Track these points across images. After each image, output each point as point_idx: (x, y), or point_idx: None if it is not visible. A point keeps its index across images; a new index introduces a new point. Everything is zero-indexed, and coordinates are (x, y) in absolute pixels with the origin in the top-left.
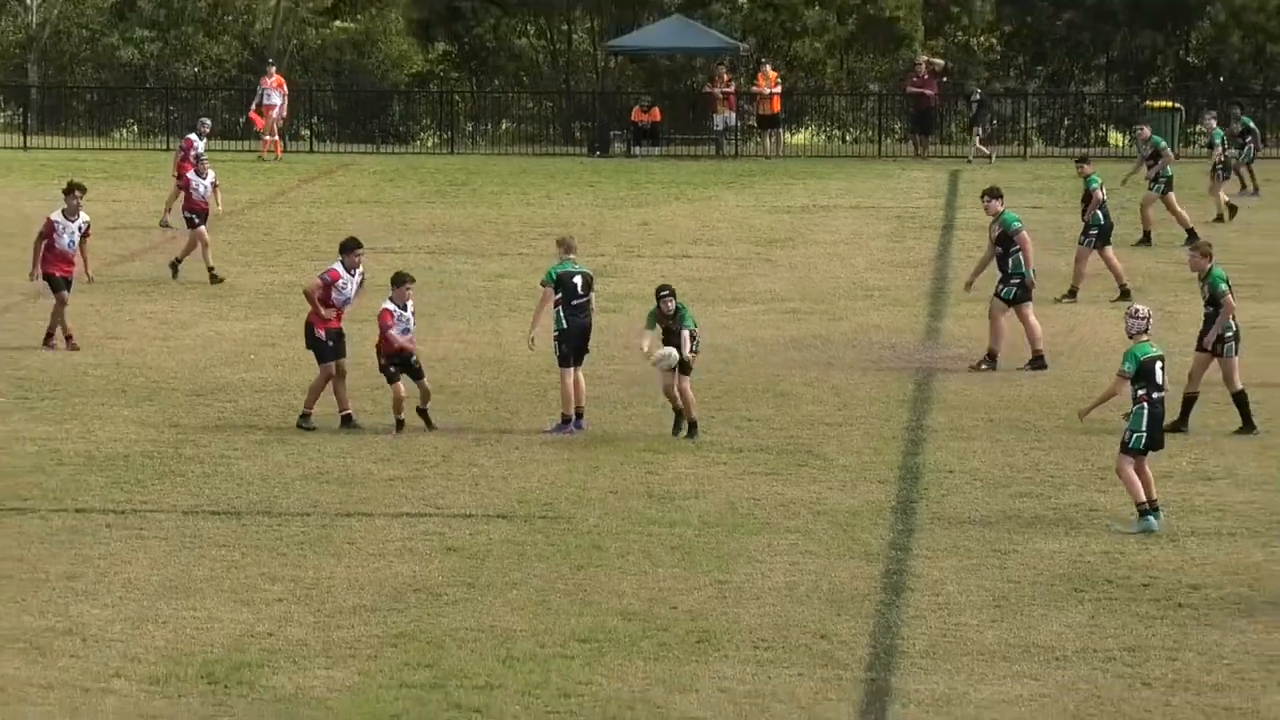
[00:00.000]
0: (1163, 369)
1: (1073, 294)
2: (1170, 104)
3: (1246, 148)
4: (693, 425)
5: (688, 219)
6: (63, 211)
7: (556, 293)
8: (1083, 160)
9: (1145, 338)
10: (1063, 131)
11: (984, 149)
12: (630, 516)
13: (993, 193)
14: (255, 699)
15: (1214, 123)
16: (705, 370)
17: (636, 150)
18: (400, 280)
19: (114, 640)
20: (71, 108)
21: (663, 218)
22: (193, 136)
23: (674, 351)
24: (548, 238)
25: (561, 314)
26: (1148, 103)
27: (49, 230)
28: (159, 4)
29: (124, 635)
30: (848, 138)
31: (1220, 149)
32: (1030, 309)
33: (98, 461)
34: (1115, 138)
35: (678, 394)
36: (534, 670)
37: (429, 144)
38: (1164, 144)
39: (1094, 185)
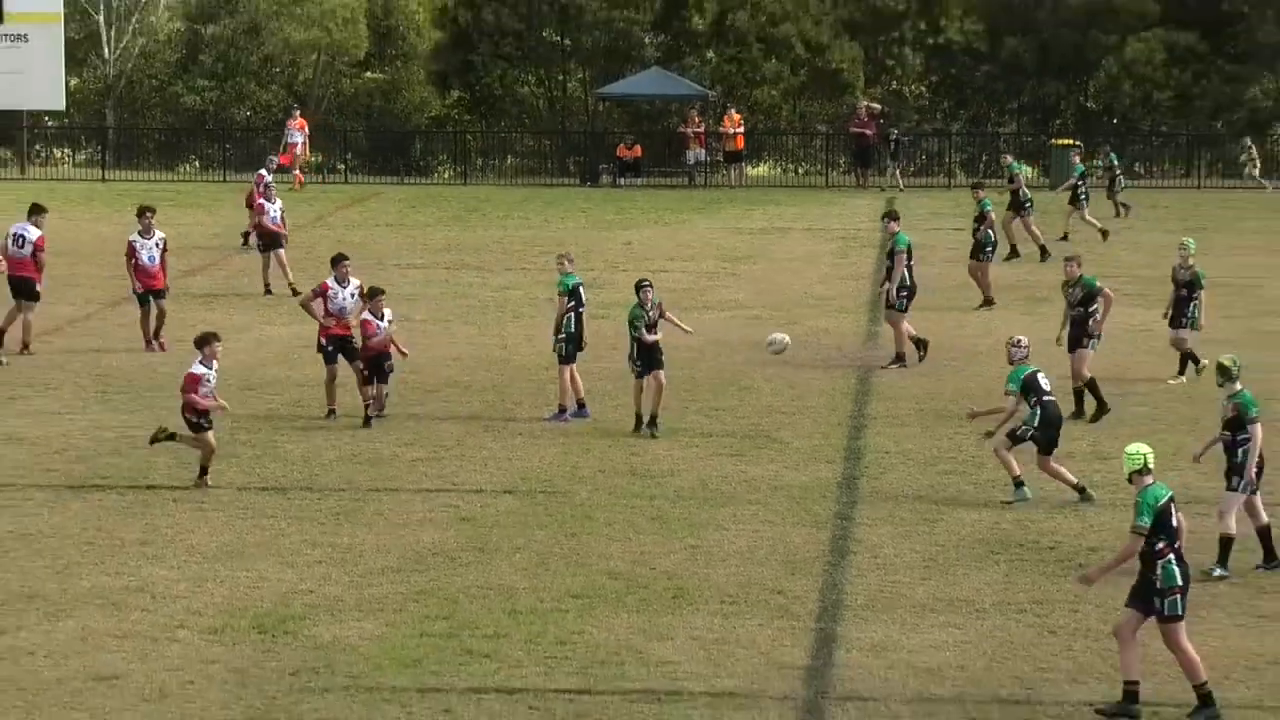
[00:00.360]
0: (1045, 378)
1: (989, 303)
2: (1071, 141)
3: (1118, 179)
4: (654, 419)
5: (665, 239)
6: (138, 232)
7: (570, 300)
8: (977, 186)
9: (1025, 362)
10: (981, 165)
11: (899, 181)
12: (616, 491)
13: (891, 215)
14: (298, 646)
15: (1077, 158)
16: (680, 367)
17: (621, 181)
18: (374, 293)
19: (178, 597)
20: (143, 146)
21: (643, 238)
22: (263, 171)
23: (785, 336)
24: (546, 255)
25: (572, 318)
26: (1052, 141)
27: (130, 251)
28: (217, 58)
29: (187, 592)
30: (800, 170)
31: (1079, 180)
32: (907, 318)
33: (165, 445)
34: (1025, 168)
35: (656, 395)
36: (535, 622)
37: (445, 176)
38: (1019, 169)
39: (987, 208)
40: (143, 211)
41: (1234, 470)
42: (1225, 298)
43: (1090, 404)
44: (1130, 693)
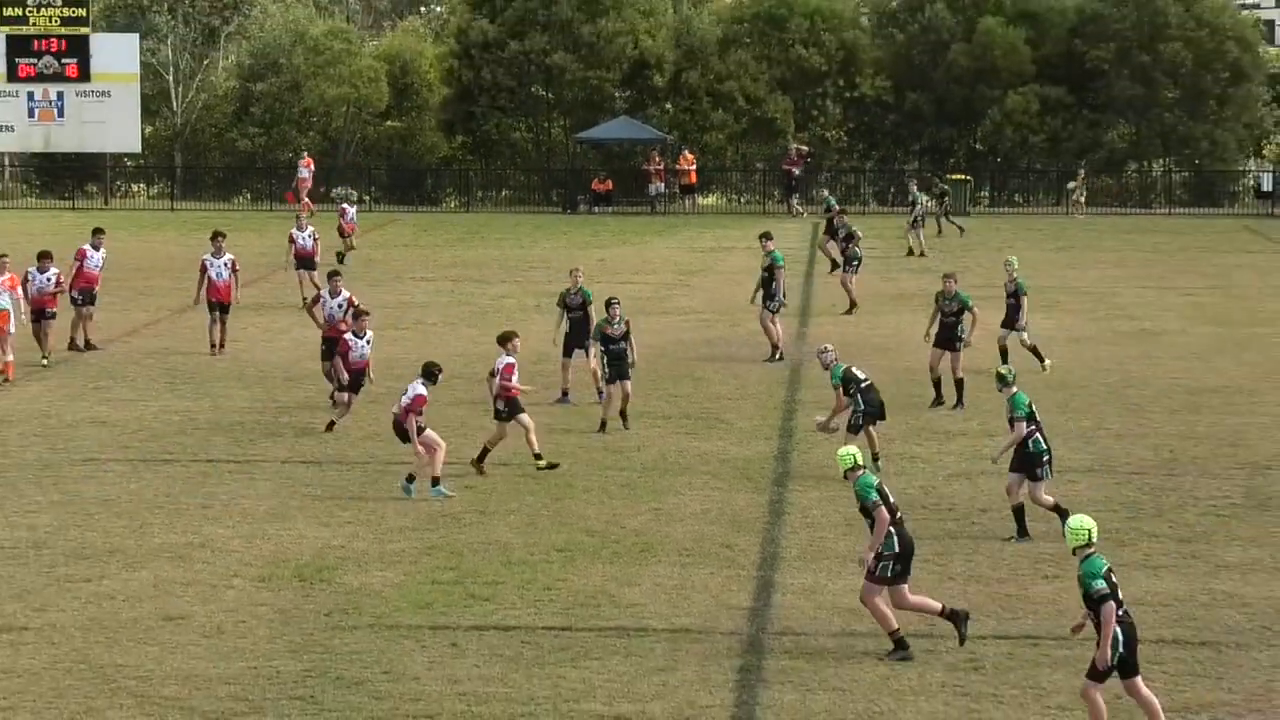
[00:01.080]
0: (859, 370)
1: (851, 308)
2: (963, 176)
3: (945, 203)
4: (623, 415)
5: (631, 257)
6: (210, 253)
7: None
8: (766, 236)
9: (837, 362)
10: (890, 196)
11: (799, 209)
12: (592, 464)
13: (766, 235)
14: (331, 591)
15: (915, 187)
16: (644, 361)
17: (595, 209)
18: (358, 315)
19: (233, 551)
20: (204, 181)
21: (614, 256)
22: (345, 206)
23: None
24: (536, 269)
25: (567, 318)
26: (948, 175)
27: (203, 268)
28: (265, 109)
29: (240, 547)
30: (742, 200)
31: (920, 206)
32: (779, 319)
33: (222, 426)
34: (925, 200)
35: (620, 399)
36: (526, 571)
37: (451, 205)
38: (921, 196)
39: (778, 261)
40: (215, 235)
41: (1033, 462)
42: (1088, 304)
43: (951, 395)
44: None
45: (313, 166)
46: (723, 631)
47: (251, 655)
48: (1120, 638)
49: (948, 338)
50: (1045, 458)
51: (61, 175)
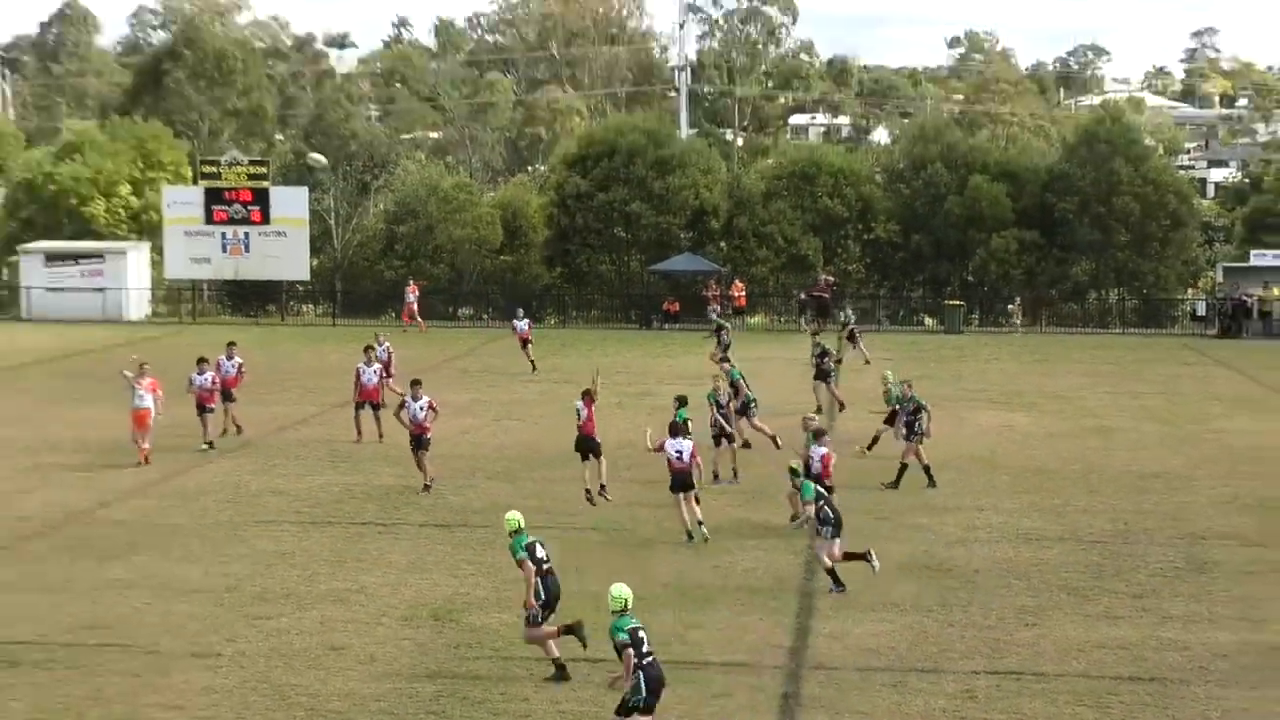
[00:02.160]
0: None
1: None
2: (958, 302)
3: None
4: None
5: (693, 365)
6: (363, 361)
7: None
8: (725, 361)
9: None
10: (900, 317)
11: (815, 327)
12: (667, 529)
13: (726, 352)
14: (459, 629)
15: (850, 312)
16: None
17: (665, 327)
18: (415, 383)
19: (382, 596)
20: (359, 302)
21: (680, 363)
22: (517, 323)
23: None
24: (619, 374)
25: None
26: (945, 302)
27: (357, 374)
28: (406, 246)
29: (387, 594)
30: (782, 320)
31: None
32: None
33: (372, 497)
34: (928, 320)
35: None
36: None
37: (551, 323)
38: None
39: (735, 377)
40: (367, 348)
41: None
42: (1058, 405)
43: (922, 478)
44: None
45: (417, 291)
46: (768, 665)
47: (397, 679)
48: (642, 680)
49: (909, 433)
50: (828, 527)
51: (248, 297)
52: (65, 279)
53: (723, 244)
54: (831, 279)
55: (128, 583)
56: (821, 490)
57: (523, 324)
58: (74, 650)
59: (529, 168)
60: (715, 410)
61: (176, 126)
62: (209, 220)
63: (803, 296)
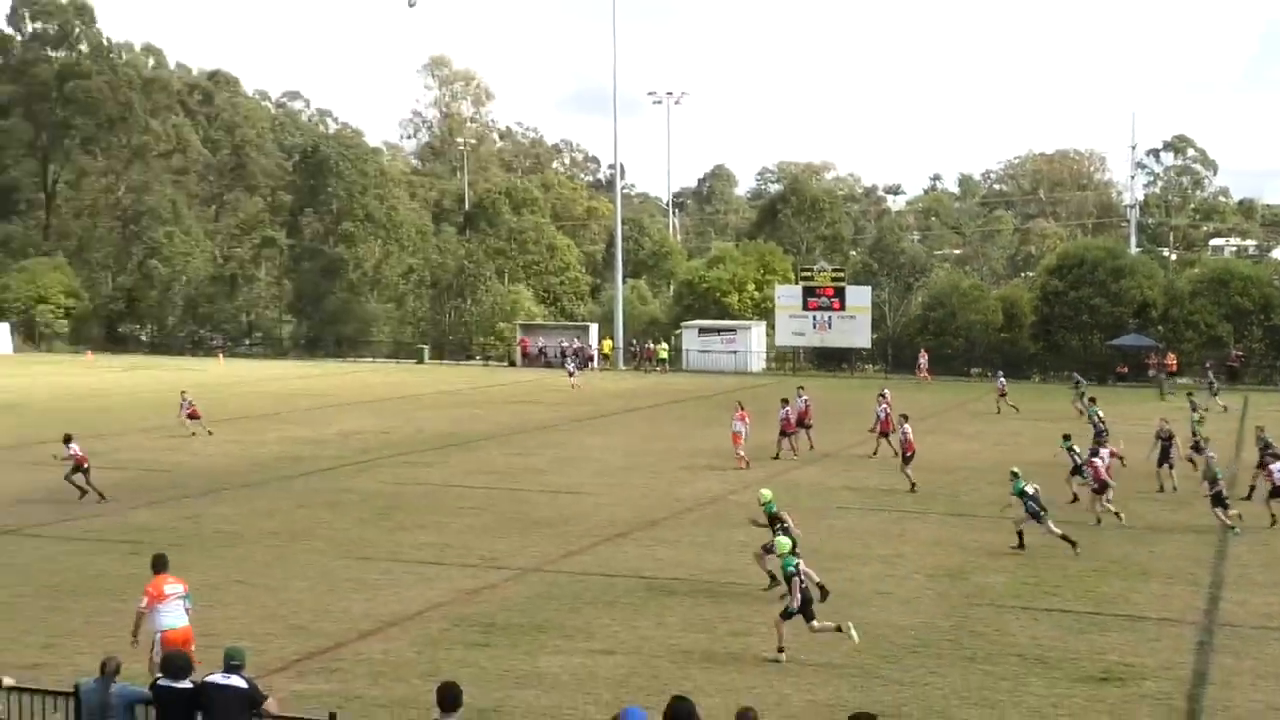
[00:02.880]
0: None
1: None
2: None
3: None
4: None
5: (1137, 410)
6: (885, 404)
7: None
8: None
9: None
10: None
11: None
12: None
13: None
14: (967, 585)
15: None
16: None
17: (1116, 384)
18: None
19: (911, 560)
20: (909, 364)
21: (1127, 409)
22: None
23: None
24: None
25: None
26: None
27: (884, 415)
28: (935, 326)
29: (917, 559)
30: (1197, 382)
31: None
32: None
33: (900, 494)
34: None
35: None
36: (1052, 586)
37: (1036, 380)
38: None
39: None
40: (880, 394)
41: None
42: None
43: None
44: None
45: (927, 356)
46: (1189, 621)
47: (924, 615)
48: (799, 598)
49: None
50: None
51: (829, 358)
52: (711, 344)
53: (1160, 327)
54: (1239, 353)
55: (741, 544)
56: None
57: (1001, 381)
58: (709, 585)
59: (1022, 274)
60: (1192, 442)
61: (785, 246)
62: (804, 307)
63: (1208, 365)
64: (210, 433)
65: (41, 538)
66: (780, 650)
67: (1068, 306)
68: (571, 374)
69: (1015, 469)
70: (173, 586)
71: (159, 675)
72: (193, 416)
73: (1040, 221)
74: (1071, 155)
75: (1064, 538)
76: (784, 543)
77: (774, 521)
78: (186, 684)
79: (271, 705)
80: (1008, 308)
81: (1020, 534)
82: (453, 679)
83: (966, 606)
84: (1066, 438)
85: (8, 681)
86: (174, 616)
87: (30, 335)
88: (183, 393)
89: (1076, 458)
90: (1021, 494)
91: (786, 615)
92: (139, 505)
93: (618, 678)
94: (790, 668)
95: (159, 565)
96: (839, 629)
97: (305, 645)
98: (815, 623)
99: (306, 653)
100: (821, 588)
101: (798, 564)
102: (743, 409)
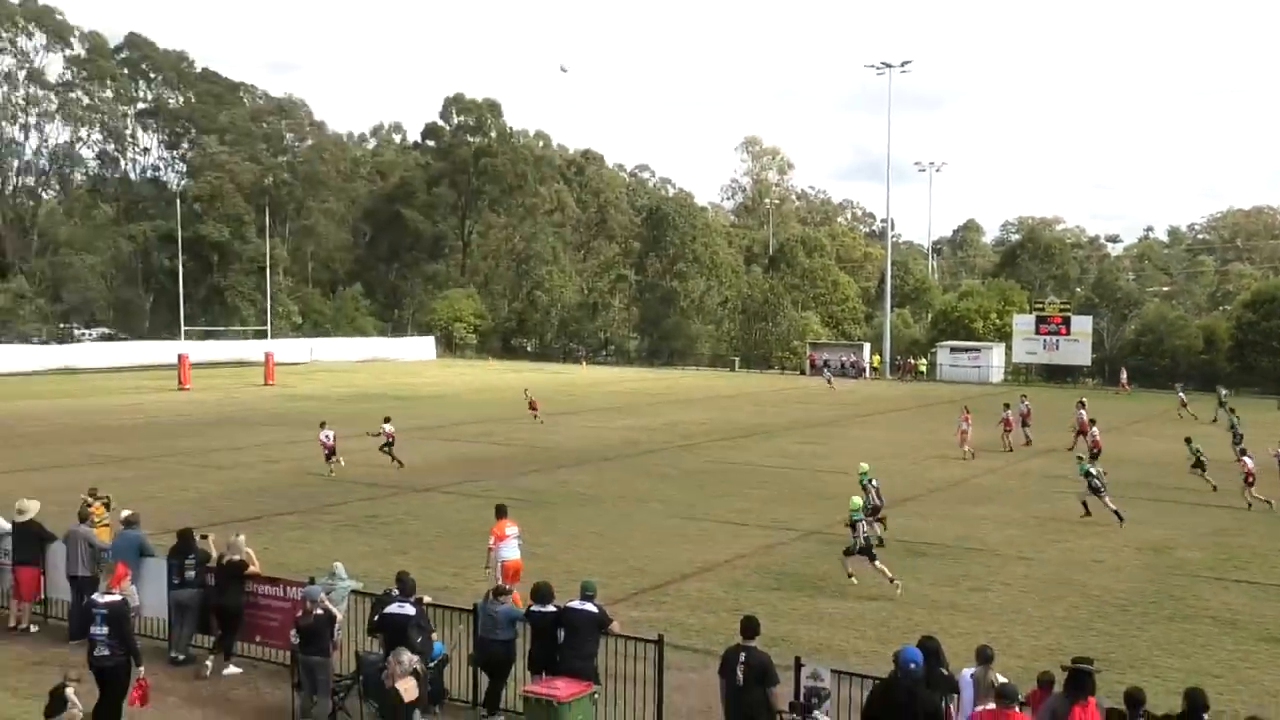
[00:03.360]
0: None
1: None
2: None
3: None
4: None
5: None
6: (1012, 412)
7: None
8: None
9: None
10: None
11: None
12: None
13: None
14: (1170, 558)
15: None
16: None
17: None
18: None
19: (1123, 535)
20: (1127, 376)
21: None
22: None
23: None
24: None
25: None
26: None
27: (1086, 421)
28: (1145, 350)
29: (1126, 534)
30: None
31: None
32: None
33: (1132, 484)
34: None
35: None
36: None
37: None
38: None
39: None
40: (1079, 402)
41: None
42: None
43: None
44: None
45: (1126, 372)
46: None
47: (1132, 581)
48: (862, 539)
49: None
50: None
51: (1055, 374)
52: (960, 360)
53: None
54: None
55: (980, 517)
56: None
57: (1181, 394)
58: (953, 549)
59: (1220, 308)
60: None
61: (1021, 283)
62: (1036, 331)
63: None
64: (541, 422)
65: (452, 494)
66: (850, 575)
67: (1260, 334)
68: (829, 380)
69: (1080, 455)
70: (511, 529)
71: (531, 603)
72: (532, 408)
73: (1237, 265)
74: (1266, 211)
75: (1115, 512)
76: (856, 501)
77: (866, 491)
78: (550, 608)
79: (615, 627)
80: (1207, 335)
81: (1085, 504)
82: (752, 613)
83: (1168, 575)
84: (1189, 440)
85: (427, 599)
86: (511, 550)
87: (449, 345)
88: (525, 390)
89: (1200, 455)
90: (1086, 474)
91: (848, 552)
92: (526, 473)
93: (880, 619)
94: (1018, 617)
95: (501, 512)
96: (892, 580)
97: (640, 582)
98: (876, 564)
99: (641, 588)
100: (880, 540)
101: (862, 517)
102: (967, 412)
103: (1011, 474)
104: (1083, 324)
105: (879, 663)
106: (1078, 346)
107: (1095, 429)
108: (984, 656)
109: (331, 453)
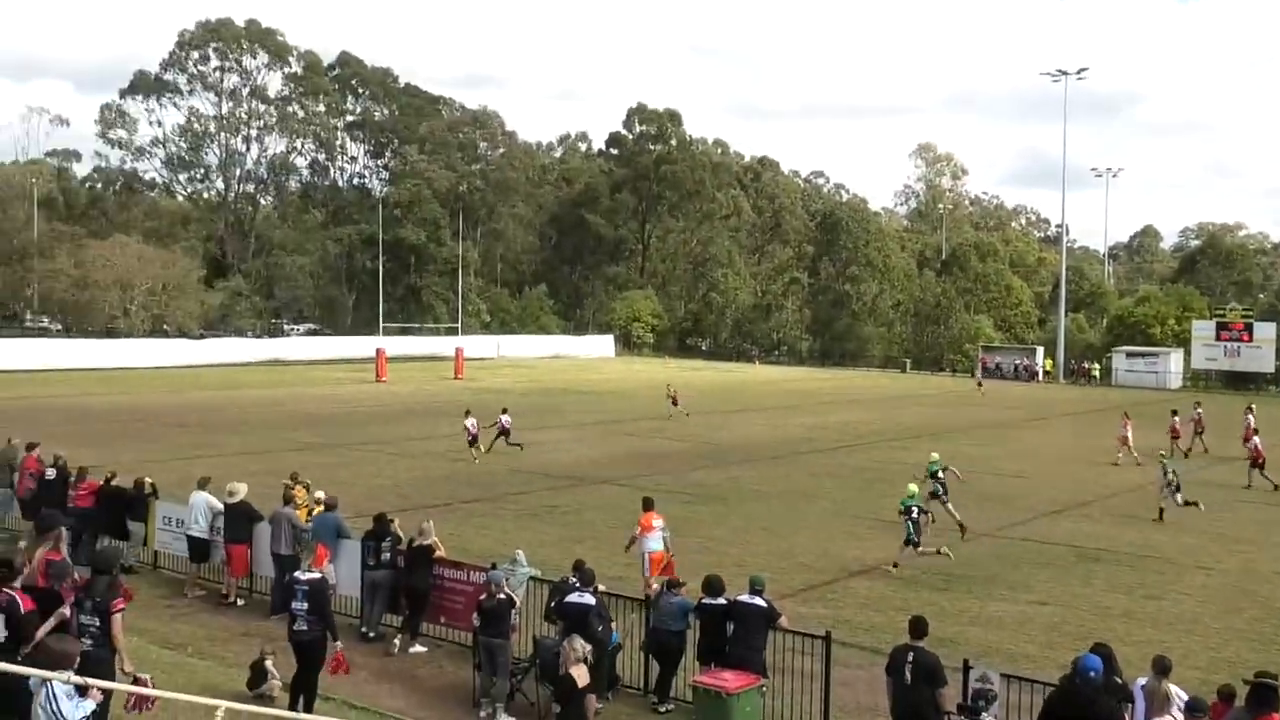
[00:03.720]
0: None
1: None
2: None
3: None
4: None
5: None
6: (1185, 417)
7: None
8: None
9: None
10: None
11: None
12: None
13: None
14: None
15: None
16: None
17: None
18: None
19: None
20: None
21: None
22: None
23: None
24: None
25: None
26: None
27: (1198, 419)
28: None
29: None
30: None
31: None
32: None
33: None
34: None
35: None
36: None
37: None
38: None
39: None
40: (1196, 404)
41: None
42: None
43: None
44: None
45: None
46: None
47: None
48: (912, 530)
49: None
50: None
51: (1236, 381)
52: (1136, 366)
53: None
54: None
55: (1157, 525)
56: None
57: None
58: (1129, 556)
59: None
60: None
61: (1201, 289)
62: (1217, 338)
63: None
64: (687, 414)
65: (627, 487)
66: (895, 565)
67: None
68: (980, 383)
69: (1162, 452)
70: (657, 521)
71: (702, 595)
72: (674, 402)
73: None
74: None
75: (1189, 502)
76: (911, 489)
77: (933, 477)
78: (721, 601)
79: (784, 621)
80: None
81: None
82: (920, 614)
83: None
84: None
85: (601, 588)
86: (655, 542)
87: (627, 344)
88: (667, 385)
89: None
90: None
91: (908, 543)
92: (697, 469)
93: (1050, 624)
94: (1196, 628)
95: (647, 505)
96: (938, 551)
97: (809, 578)
98: (920, 548)
99: (809, 584)
100: (960, 528)
101: (912, 505)
102: (1127, 417)
103: (1189, 482)
104: (1266, 331)
105: (1049, 667)
106: (1260, 353)
107: (1258, 438)
108: (1161, 667)
109: (474, 440)
